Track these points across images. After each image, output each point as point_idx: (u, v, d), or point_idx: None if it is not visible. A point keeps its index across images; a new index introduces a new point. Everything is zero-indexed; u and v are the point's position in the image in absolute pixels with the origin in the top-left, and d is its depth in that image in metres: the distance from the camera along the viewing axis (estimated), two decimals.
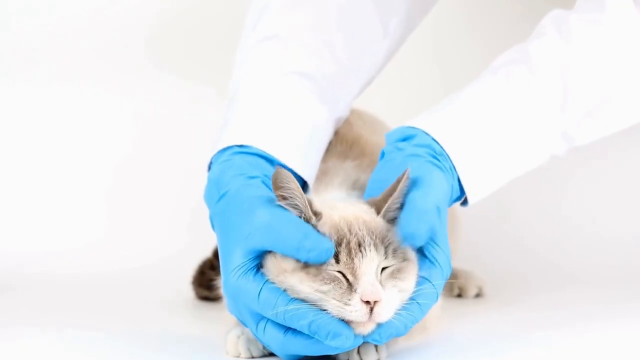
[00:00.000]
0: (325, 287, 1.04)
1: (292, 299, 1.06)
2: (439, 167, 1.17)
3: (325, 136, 1.30)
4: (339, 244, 1.06)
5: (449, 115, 1.22)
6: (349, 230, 1.07)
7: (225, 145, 1.21)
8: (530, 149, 1.24)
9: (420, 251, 1.12)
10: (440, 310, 1.22)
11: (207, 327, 1.37)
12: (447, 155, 1.18)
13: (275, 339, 1.08)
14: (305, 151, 1.25)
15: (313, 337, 1.05)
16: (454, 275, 1.62)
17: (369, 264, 1.05)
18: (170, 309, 1.54)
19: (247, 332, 1.15)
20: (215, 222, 1.16)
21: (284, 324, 1.06)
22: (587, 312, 1.46)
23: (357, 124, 1.41)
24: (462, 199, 1.23)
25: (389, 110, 1.59)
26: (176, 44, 2.04)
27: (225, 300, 1.15)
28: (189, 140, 2.01)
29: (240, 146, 1.20)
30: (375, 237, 1.07)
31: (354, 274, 1.05)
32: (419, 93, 1.99)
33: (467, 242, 1.62)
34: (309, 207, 1.07)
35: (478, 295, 1.63)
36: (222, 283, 1.14)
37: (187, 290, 1.62)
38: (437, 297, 1.11)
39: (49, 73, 2.02)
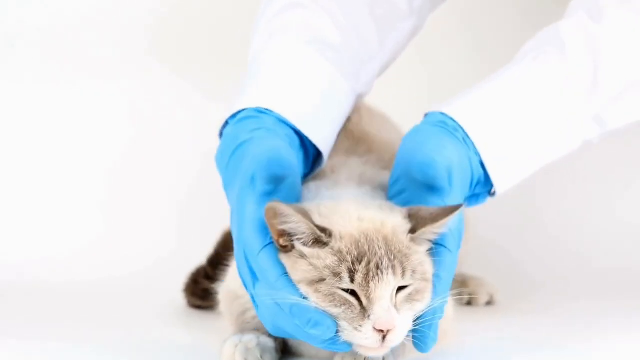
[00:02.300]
0: (335, 310, 1.03)
1: (284, 273, 1.05)
2: (453, 135, 1.17)
3: (344, 110, 1.30)
4: (358, 261, 1.04)
5: (473, 99, 1.22)
6: (369, 249, 1.05)
7: (244, 107, 1.22)
8: (561, 134, 1.24)
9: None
10: (451, 323, 1.21)
11: (200, 336, 1.36)
12: (470, 139, 1.18)
13: (267, 308, 1.07)
14: (324, 122, 1.25)
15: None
16: (463, 282, 1.62)
17: (385, 287, 1.03)
18: (161, 317, 1.54)
19: (245, 342, 1.15)
20: (230, 168, 1.16)
21: (270, 297, 1.06)
22: (604, 321, 1.46)
23: (365, 120, 1.41)
24: (490, 190, 1.22)
25: (398, 108, 1.59)
26: (174, 42, 2.04)
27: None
28: (179, 143, 2.01)
29: (259, 110, 1.21)
30: (394, 257, 1.05)
31: (368, 297, 1.03)
32: (430, 90, 1.99)
33: (477, 247, 1.61)
34: (316, 228, 1.05)
35: (489, 303, 1.62)
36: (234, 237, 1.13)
37: (178, 297, 1.60)
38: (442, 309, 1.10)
39: (36, 70, 2.02)
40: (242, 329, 1.19)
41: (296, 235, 1.06)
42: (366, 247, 1.05)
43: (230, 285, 1.25)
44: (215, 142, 1.95)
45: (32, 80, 2.01)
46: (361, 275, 1.03)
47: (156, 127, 2.03)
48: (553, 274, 1.82)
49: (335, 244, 1.05)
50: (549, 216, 1.96)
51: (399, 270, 1.05)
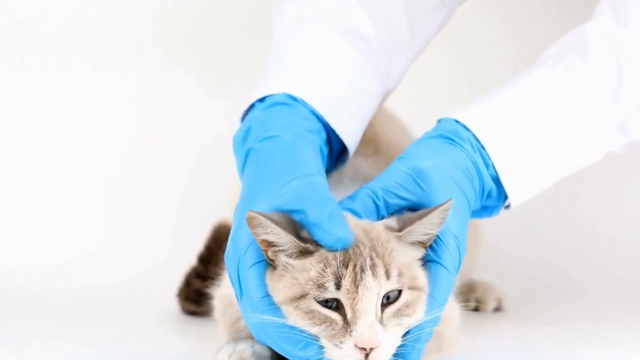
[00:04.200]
0: (314, 329, 1.02)
1: (268, 295, 1.04)
2: (456, 146, 1.16)
3: (372, 107, 1.30)
4: (344, 266, 1.02)
5: (489, 106, 1.21)
6: (353, 252, 1.03)
7: (276, 91, 1.22)
8: (582, 144, 1.22)
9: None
10: (457, 331, 1.20)
11: (194, 344, 1.36)
12: (483, 147, 1.17)
13: (252, 326, 1.07)
14: (353, 118, 1.25)
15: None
16: (471, 287, 1.61)
17: (369, 295, 1.01)
18: (154, 324, 1.53)
19: (240, 351, 1.13)
20: (251, 157, 1.15)
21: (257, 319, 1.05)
22: (617, 329, 1.45)
23: (376, 120, 1.40)
24: (505, 200, 1.21)
25: (411, 108, 1.59)
26: (178, 36, 2.04)
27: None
28: (174, 147, 2.01)
29: (292, 97, 1.22)
30: (376, 255, 1.03)
31: (353, 308, 1.01)
32: (446, 93, 1.99)
33: (485, 250, 1.61)
34: (297, 241, 1.04)
35: (497, 309, 1.61)
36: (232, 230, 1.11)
37: (172, 304, 1.59)
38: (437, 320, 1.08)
39: (32, 64, 2.02)
40: (236, 337, 1.17)
41: (280, 246, 1.04)
42: (350, 251, 1.03)
43: (225, 290, 1.23)
44: (213, 141, 1.98)
45: (28, 75, 2.01)
46: (349, 280, 1.02)
47: (149, 125, 2.03)
48: (564, 280, 1.81)
49: (323, 251, 1.03)
50: (560, 219, 1.95)
51: (381, 270, 1.02)
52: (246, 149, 1.16)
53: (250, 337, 1.15)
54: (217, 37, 2.03)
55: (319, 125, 1.21)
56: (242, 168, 1.17)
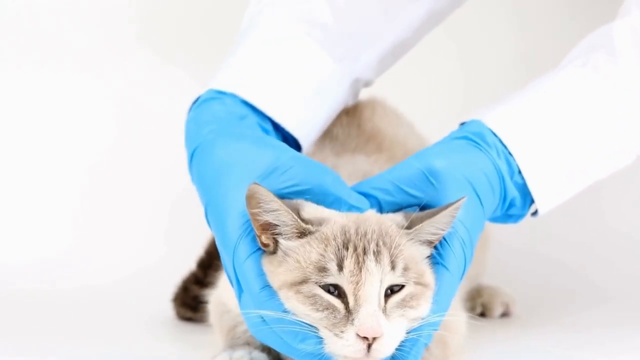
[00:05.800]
0: (316, 315, 1.01)
1: (267, 285, 1.04)
2: (480, 150, 1.14)
3: (334, 95, 1.30)
4: (345, 248, 1.02)
5: (514, 108, 1.19)
6: (356, 233, 1.02)
7: (209, 88, 1.24)
8: (612, 148, 1.21)
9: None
10: (463, 340, 1.19)
11: (189, 351, 1.35)
12: (510, 153, 1.16)
13: (252, 322, 1.06)
14: (304, 108, 1.25)
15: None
16: (477, 291, 1.60)
17: (371, 281, 1.01)
18: (147, 330, 1.52)
19: (237, 358, 1.13)
20: (196, 157, 1.17)
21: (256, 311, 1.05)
22: (631, 335, 1.44)
23: (377, 117, 1.41)
24: (531, 207, 1.19)
25: (431, 114, 1.59)
26: (164, 29, 2.04)
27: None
28: (167, 141, 1.99)
29: (219, 92, 1.23)
30: (384, 244, 1.02)
31: (355, 295, 1.00)
32: (466, 96, 1.97)
33: (492, 254, 1.60)
34: (298, 220, 1.03)
35: (505, 315, 1.60)
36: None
37: (166, 308, 1.58)
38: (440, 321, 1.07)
39: (13, 61, 2.01)
40: (233, 344, 1.17)
41: (279, 227, 1.04)
42: (352, 231, 1.02)
43: (221, 296, 1.23)
44: None
45: (9, 72, 2.00)
46: (351, 262, 1.01)
47: (142, 123, 2.02)
48: (577, 282, 1.80)
49: (323, 229, 1.03)
50: (574, 215, 1.91)
51: (386, 259, 1.02)
52: (190, 151, 1.18)
53: (248, 344, 1.15)
54: (210, 34, 2.02)
55: (256, 117, 1.22)
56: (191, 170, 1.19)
